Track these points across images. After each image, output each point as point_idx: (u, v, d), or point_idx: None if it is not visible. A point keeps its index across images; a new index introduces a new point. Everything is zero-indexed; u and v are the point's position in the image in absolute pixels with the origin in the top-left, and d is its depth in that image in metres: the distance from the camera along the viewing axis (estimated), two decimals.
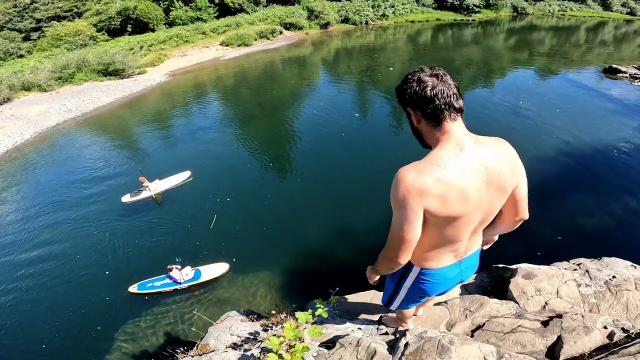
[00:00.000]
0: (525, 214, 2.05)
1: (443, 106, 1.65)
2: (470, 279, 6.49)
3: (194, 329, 8.37)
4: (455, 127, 1.70)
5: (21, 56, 39.23)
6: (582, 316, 3.98)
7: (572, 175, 13.42)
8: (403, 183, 1.62)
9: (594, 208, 11.67)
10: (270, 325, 5.49)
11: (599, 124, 17.40)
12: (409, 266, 2.14)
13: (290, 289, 9.43)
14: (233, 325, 5.00)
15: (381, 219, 11.17)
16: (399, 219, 1.68)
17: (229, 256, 10.40)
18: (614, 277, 5.27)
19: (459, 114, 1.73)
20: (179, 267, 9.52)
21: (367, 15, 46.61)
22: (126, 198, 13.35)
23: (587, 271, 5.51)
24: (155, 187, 13.43)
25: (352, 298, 6.67)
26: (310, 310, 3.17)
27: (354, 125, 18.73)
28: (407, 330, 4.03)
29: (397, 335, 4.14)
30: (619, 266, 5.66)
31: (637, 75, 24.91)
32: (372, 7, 48.08)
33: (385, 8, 48.18)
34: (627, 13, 61.73)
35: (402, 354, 3.60)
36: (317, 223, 11.35)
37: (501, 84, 25.00)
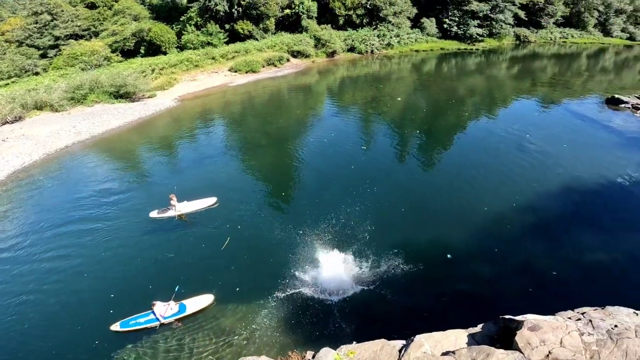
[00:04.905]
0: None
1: None
2: (478, 327, 6.48)
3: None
4: None
5: (37, 73, 40.34)
6: None
7: (577, 213, 13.47)
8: None
9: (599, 246, 11.68)
10: None
11: (604, 160, 17.50)
12: None
13: (289, 325, 9.24)
14: None
15: (393, 258, 11.11)
16: None
17: (232, 284, 10.57)
18: (615, 326, 5.59)
19: None
20: (164, 302, 9.65)
21: (373, 45, 47.97)
22: (154, 214, 14.16)
23: (590, 321, 5.82)
24: (182, 208, 14.28)
25: (362, 347, 6.44)
26: None
27: (362, 157, 18.96)
28: None
29: None
30: (621, 314, 5.92)
31: (639, 106, 25.22)
32: (378, 36, 49.51)
33: (391, 37, 49.63)
34: (627, 38, 63.58)
35: None
36: (323, 261, 11.08)
37: (505, 115, 25.34)
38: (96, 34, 46.10)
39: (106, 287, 10.80)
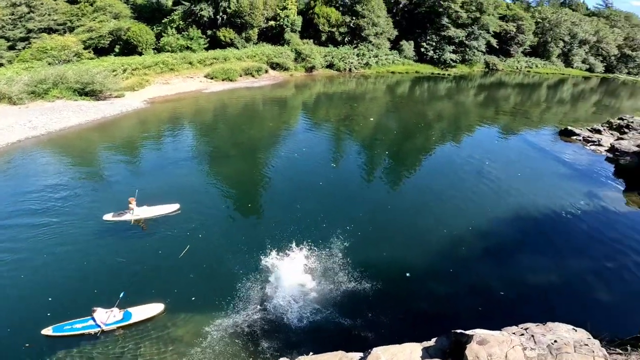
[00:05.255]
0: None
1: None
2: (432, 341, 6.65)
3: None
4: None
5: (0, 65, 38.38)
6: None
7: (525, 238, 14.09)
8: None
9: (543, 269, 12.32)
10: None
11: (553, 189, 18.47)
12: None
13: (244, 336, 8.96)
14: None
15: (354, 273, 11.26)
16: None
17: (188, 293, 10.19)
18: (555, 341, 5.85)
19: None
20: (106, 309, 9.14)
21: (352, 63, 49.17)
22: (108, 216, 13.44)
23: (532, 336, 6.09)
24: (140, 212, 13.64)
25: (320, 359, 6.38)
26: None
27: (331, 175, 19.08)
28: None
29: None
30: (561, 330, 6.23)
31: (589, 139, 26.87)
32: (358, 55, 50.85)
33: (370, 57, 51.06)
34: (586, 69, 67.88)
35: None
36: (283, 274, 10.82)
37: (469, 142, 26.41)
38: (72, 29, 44.43)
39: (45, 288, 10.18)
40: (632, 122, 29.47)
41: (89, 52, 40.54)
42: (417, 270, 11.67)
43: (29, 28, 42.00)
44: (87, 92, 28.43)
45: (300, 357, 6.69)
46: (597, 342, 5.72)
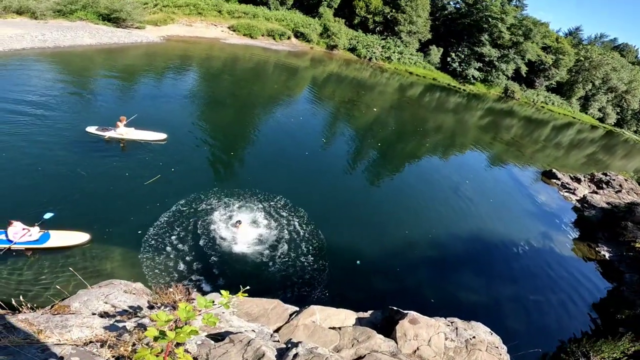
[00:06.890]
0: None
1: None
2: (367, 313, 6.64)
3: (56, 288, 6.86)
4: None
5: None
6: None
7: (474, 256, 14.19)
8: None
9: (480, 284, 12.56)
10: (160, 304, 4.65)
11: (515, 222, 18.34)
12: None
13: (181, 275, 8.63)
14: (112, 294, 4.28)
15: (308, 243, 11.20)
16: None
17: (135, 224, 9.52)
18: (473, 337, 6.02)
19: None
20: (25, 225, 8.05)
21: (374, 53, 47.08)
22: (91, 129, 13.11)
23: (456, 328, 6.24)
24: (124, 132, 13.30)
25: (254, 302, 6.18)
26: (211, 299, 2.76)
27: (319, 149, 18.81)
28: (300, 342, 4.09)
29: (289, 345, 4.19)
30: (480, 330, 6.37)
31: (567, 185, 26.28)
32: (383, 47, 48.62)
33: (394, 52, 48.80)
34: (598, 118, 61.80)
35: None
36: (243, 227, 10.71)
37: (457, 159, 25.79)
38: None
39: None
40: (613, 179, 28.86)
41: None
42: (368, 261, 11.54)
43: None
44: (111, 18, 27.74)
45: (234, 295, 6.37)
46: (505, 347, 5.94)
